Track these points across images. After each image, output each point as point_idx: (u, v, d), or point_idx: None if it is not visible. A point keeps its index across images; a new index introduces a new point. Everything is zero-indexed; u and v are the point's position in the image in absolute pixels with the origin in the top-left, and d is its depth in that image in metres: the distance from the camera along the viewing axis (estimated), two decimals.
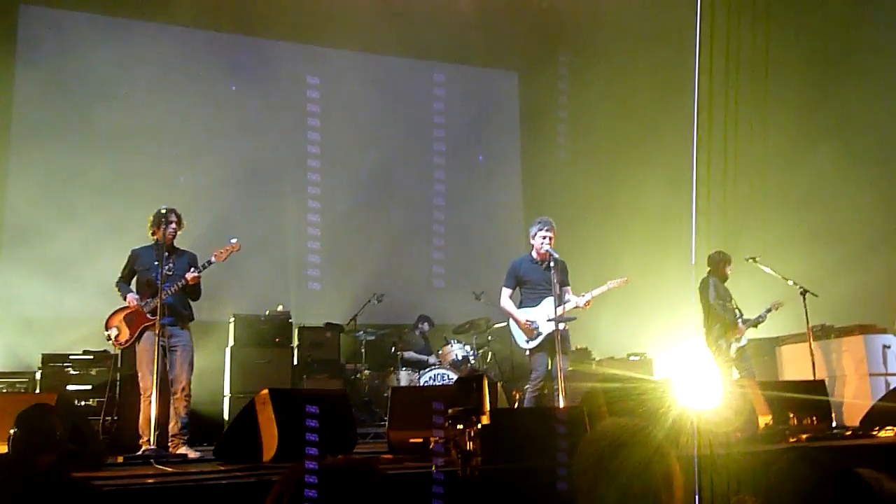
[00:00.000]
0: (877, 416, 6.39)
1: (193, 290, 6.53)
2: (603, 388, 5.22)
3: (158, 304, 6.14)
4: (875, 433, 5.97)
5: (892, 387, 8.00)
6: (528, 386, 7.01)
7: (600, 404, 5.00)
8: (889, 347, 8.68)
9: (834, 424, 6.55)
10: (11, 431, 3.01)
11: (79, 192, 9.35)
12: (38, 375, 7.90)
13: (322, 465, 1.52)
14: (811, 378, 7.67)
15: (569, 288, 7.04)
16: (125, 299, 6.50)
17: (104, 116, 9.71)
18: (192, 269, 6.46)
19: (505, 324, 7.74)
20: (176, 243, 6.67)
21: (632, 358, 10.04)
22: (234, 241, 6.53)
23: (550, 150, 11.54)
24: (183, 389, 6.32)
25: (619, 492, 1.84)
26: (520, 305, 7.12)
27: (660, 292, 10.01)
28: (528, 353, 7.05)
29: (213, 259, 6.49)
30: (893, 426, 6.06)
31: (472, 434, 3.41)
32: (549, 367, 6.89)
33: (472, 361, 9.18)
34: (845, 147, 9.56)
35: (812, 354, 8.09)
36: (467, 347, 9.31)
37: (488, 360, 9.63)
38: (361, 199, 10.75)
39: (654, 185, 10.42)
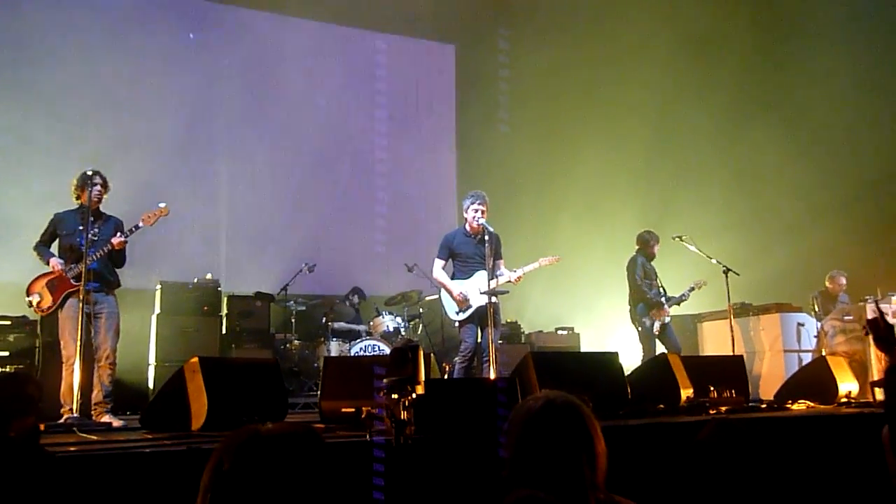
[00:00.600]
0: (790, 391, 6.71)
1: (119, 257, 6.34)
2: (533, 359, 5.25)
3: (83, 270, 5.92)
4: (788, 406, 6.20)
5: (804, 363, 8.40)
6: (457, 358, 7.04)
7: (531, 375, 5.07)
8: (803, 325, 9.09)
9: (751, 398, 6.78)
10: None
11: (14, 153, 8.97)
12: None
13: (264, 430, 1.50)
14: (730, 353, 7.94)
15: (501, 262, 7.11)
16: (48, 264, 6.26)
17: (47, 76, 9.35)
18: (119, 234, 6.25)
19: (436, 296, 7.75)
20: (102, 209, 6.45)
21: (560, 331, 10.19)
22: (162, 205, 6.36)
23: (486, 124, 11.56)
24: (107, 357, 6.16)
25: (544, 458, 1.90)
26: (452, 278, 7.14)
27: (589, 268, 10.21)
28: (457, 324, 7.07)
29: (140, 224, 6.31)
30: (805, 400, 6.33)
31: (407, 404, 3.43)
32: (479, 340, 6.94)
33: (403, 333, 9.16)
34: (777, 128, 9.86)
35: (732, 331, 8.37)
36: (398, 319, 9.29)
37: (419, 332, 9.63)
38: (295, 169, 10.56)
39: (585, 163, 10.53)
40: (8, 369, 7.42)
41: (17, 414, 2.79)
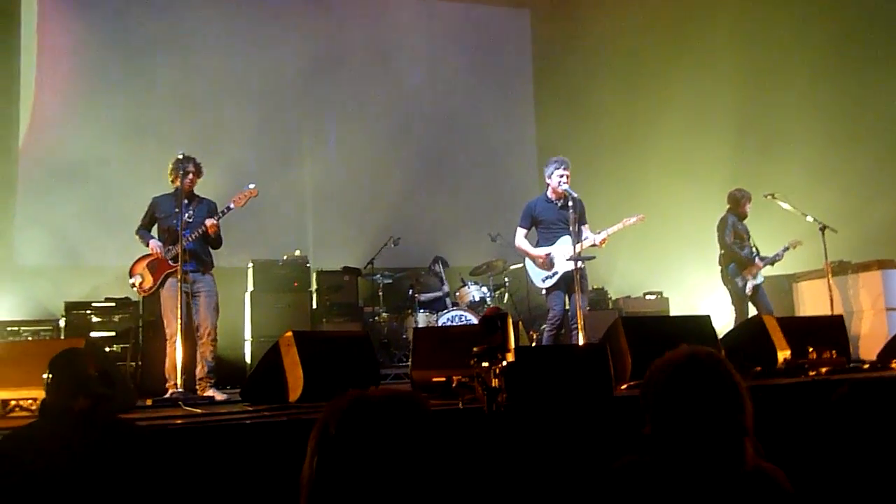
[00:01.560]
0: (894, 349, 6.39)
1: (215, 239, 6.56)
2: (623, 324, 5.21)
3: (180, 251, 6.16)
4: (893, 366, 5.97)
5: None
6: (545, 325, 7.04)
7: (621, 341, 5.04)
8: None
9: (852, 358, 6.57)
10: (46, 376, 3.05)
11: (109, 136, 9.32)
12: (61, 323, 7.98)
13: (370, 395, 1.52)
14: (829, 314, 7.66)
15: (586, 226, 7.05)
16: (148, 246, 6.52)
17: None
18: (212, 217, 6.45)
19: (521, 265, 7.69)
20: (196, 191, 6.68)
21: (648, 297, 10.03)
22: (251, 186, 6.51)
23: (565, 89, 11.35)
24: (209, 334, 6.38)
25: (693, 416, 1.83)
26: (536, 246, 7.10)
27: (677, 230, 9.98)
28: (544, 292, 7.02)
29: (231, 205, 6.49)
30: None
31: (497, 371, 3.38)
32: (567, 307, 6.90)
33: (489, 302, 9.11)
34: (868, 81, 9.38)
35: (830, 290, 8.06)
36: (484, 289, 9.21)
37: (505, 301, 9.56)
38: (377, 143, 10.62)
39: (671, 123, 10.27)
40: (115, 349, 7.82)
41: (75, 392, 2.90)
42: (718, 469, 1.79)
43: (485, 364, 3.38)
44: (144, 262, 6.51)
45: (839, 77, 9.63)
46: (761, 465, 1.86)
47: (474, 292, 9.17)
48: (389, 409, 1.48)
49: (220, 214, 6.52)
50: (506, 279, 9.53)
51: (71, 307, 8.02)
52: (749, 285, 8.25)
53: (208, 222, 6.41)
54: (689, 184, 9.99)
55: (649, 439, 1.88)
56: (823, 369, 5.62)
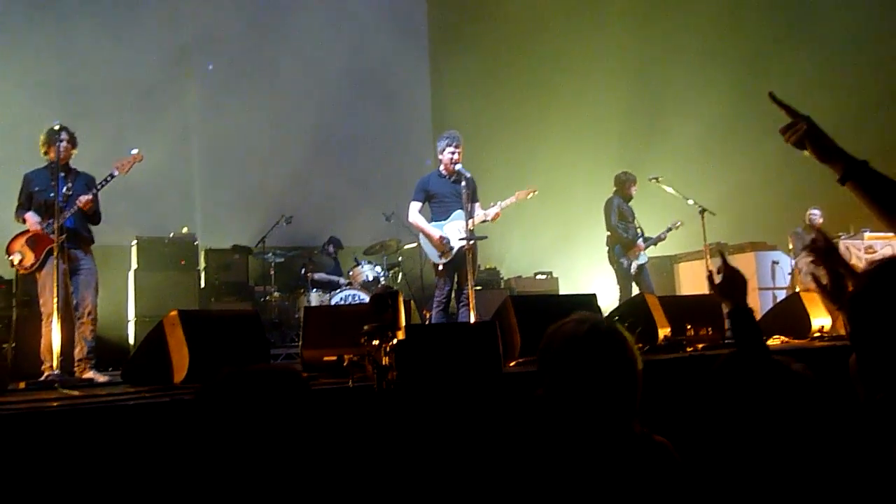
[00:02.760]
0: (765, 327, 6.46)
1: (92, 214, 6.24)
2: (513, 302, 5.19)
3: (56, 226, 5.84)
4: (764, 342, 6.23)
5: (778, 300, 8.46)
6: (434, 303, 7.04)
7: (511, 319, 5.02)
8: (777, 263, 9.16)
9: (726, 335, 6.76)
10: None
11: None
12: None
13: (245, 369, 1.50)
14: (706, 293, 7.95)
15: (478, 204, 7.07)
16: (25, 222, 6.17)
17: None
18: (90, 191, 6.16)
19: (415, 244, 7.64)
20: (73, 164, 6.35)
21: (539, 277, 10.15)
22: (135, 151, 6.18)
23: (460, 66, 11.35)
24: (89, 314, 6.10)
25: (588, 384, 1.86)
26: (430, 221, 7.10)
27: (567, 212, 10.17)
28: (441, 268, 7.02)
29: (115, 172, 6.15)
30: (779, 335, 6.39)
31: (388, 349, 3.40)
32: (456, 284, 6.93)
33: (383, 282, 9.09)
34: (754, 68, 9.76)
35: (708, 271, 8.38)
36: (378, 268, 9.19)
37: (398, 280, 9.57)
38: (268, 119, 10.38)
39: (562, 105, 10.40)
40: None
41: None
42: (609, 435, 1.84)
43: (375, 342, 3.36)
44: (23, 239, 6.15)
45: (726, 63, 9.97)
46: (649, 434, 1.93)
47: (368, 272, 9.15)
48: (263, 383, 1.46)
49: (102, 183, 6.18)
50: (399, 258, 9.52)
51: None
52: (633, 265, 8.50)
53: (82, 199, 6.08)
54: (580, 165, 10.19)
55: (541, 401, 1.91)
56: (700, 345, 5.80)
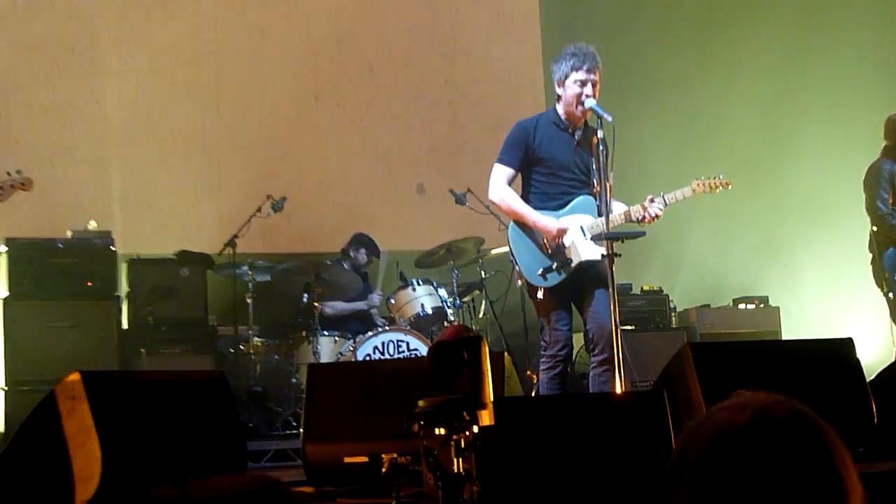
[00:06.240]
0: None
1: None
2: (695, 355, 3.92)
3: None
4: None
5: None
6: (542, 360, 5.12)
7: (691, 384, 3.84)
8: None
9: None
10: None
11: None
12: None
13: (190, 492, 1.15)
14: None
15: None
16: None
17: None
18: None
19: (507, 247, 5.30)
20: None
21: (743, 305, 7.64)
22: (20, 175, 5.17)
23: None
24: None
25: None
26: (533, 208, 5.11)
27: (787, 198, 8.16)
28: (539, 297, 5.05)
29: None
30: None
31: (464, 445, 2.70)
32: (587, 323, 5.06)
33: (452, 318, 6.66)
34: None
35: None
36: (442, 291, 6.70)
37: (480, 314, 7.00)
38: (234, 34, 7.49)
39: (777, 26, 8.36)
40: None
41: None
42: None
43: (440, 431, 2.72)
44: None
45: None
46: None
47: (424, 298, 6.69)
48: None
49: None
50: (483, 273, 6.90)
51: None
52: None
53: None
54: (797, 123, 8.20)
55: None
56: None
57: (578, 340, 5.59)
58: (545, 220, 4.90)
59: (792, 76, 8.65)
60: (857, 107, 8.07)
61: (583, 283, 4.92)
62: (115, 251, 6.47)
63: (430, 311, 6.55)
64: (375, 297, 7.12)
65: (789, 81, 8.60)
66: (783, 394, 1.31)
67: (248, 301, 6.67)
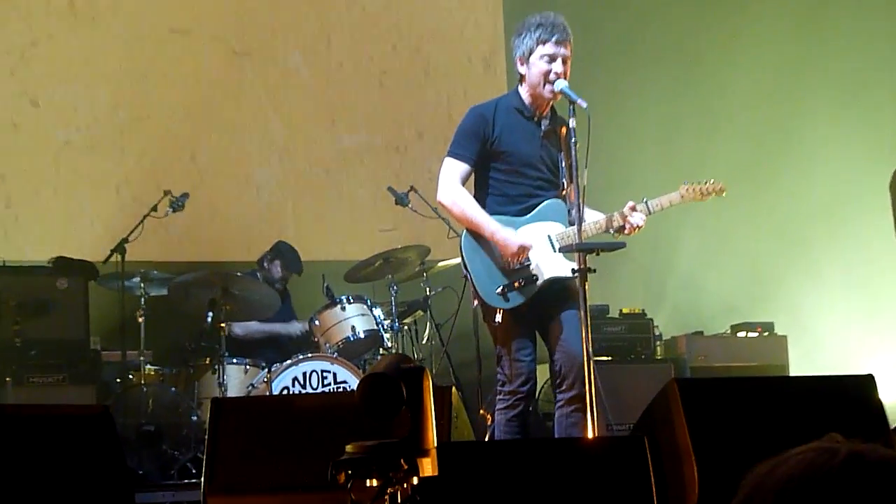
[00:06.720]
0: None
1: None
2: (682, 393, 3.53)
3: None
4: None
5: None
6: (499, 397, 4.58)
7: (678, 428, 3.50)
8: None
9: None
10: None
11: None
12: None
13: None
14: None
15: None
16: None
17: None
18: None
19: (458, 260, 4.83)
20: None
21: (742, 334, 6.99)
22: None
23: None
24: None
25: None
26: (490, 212, 4.53)
27: (790, 209, 7.62)
28: (497, 320, 4.45)
29: None
30: None
31: (403, 499, 2.30)
32: (555, 355, 4.49)
33: (389, 344, 5.98)
34: None
35: None
36: (377, 312, 5.96)
37: (424, 340, 6.39)
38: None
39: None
40: None
41: None
42: None
43: (372, 483, 2.28)
44: None
45: None
46: None
47: (354, 319, 5.92)
48: None
49: None
50: (428, 290, 6.22)
51: None
52: None
53: None
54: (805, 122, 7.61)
55: None
56: None
57: (543, 374, 4.83)
58: (503, 233, 4.29)
59: (799, 68, 7.99)
60: (875, 104, 7.60)
61: (550, 304, 4.34)
62: None
63: (361, 336, 5.78)
64: (297, 326, 6.28)
65: (796, 73, 8.00)
66: (795, 442, 1.27)
67: (140, 320, 5.95)
